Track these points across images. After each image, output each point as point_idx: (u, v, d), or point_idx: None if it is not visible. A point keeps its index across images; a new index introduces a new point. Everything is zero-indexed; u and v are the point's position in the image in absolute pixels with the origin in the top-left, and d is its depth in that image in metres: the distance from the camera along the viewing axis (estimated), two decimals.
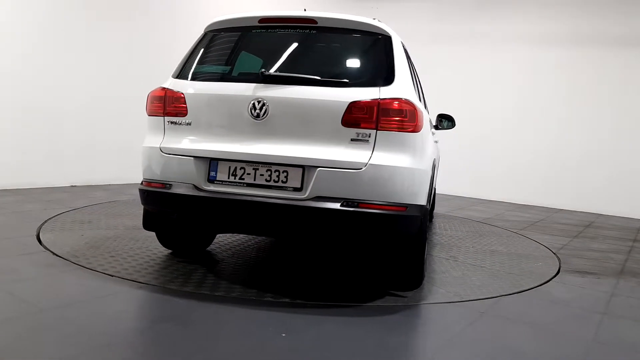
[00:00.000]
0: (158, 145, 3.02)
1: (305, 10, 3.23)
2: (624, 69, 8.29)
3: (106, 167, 7.25)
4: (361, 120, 2.73)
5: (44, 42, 6.41)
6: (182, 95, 3.01)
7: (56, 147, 6.63)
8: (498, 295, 3.24)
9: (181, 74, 3.16)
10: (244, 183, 2.81)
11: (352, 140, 2.73)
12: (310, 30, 3.05)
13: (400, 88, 2.86)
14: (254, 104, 2.82)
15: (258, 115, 2.81)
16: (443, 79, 9.37)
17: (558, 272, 3.93)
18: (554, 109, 8.85)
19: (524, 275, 3.79)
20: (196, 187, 2.86)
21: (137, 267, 3.24)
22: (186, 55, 3.29)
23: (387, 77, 2.89)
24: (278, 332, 2.37)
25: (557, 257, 4.51)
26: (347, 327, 2.50)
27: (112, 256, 3.44)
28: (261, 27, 3.12)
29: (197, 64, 3.19)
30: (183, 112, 2.99)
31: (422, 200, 2.93)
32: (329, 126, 2.76)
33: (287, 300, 2.83)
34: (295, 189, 2.73)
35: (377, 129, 2.72)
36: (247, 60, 3.22)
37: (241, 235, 4.36)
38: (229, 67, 3.21)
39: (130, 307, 2.60)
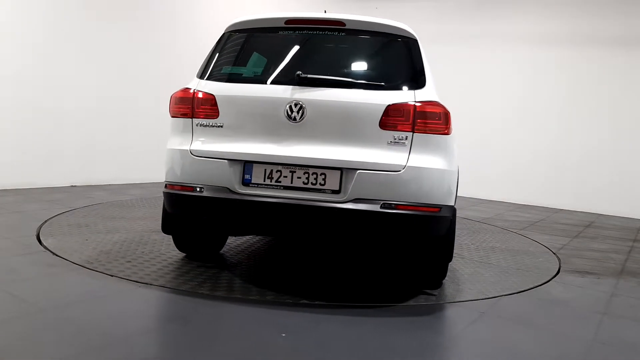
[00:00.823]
0: (188, 148, 2.92)
1: (325, 12, 3.23)
2: (624, 69, 8.29)
3: (106, 167, 7.25)
4: (398, 123, 2.79)
5: (44, 42, 6.41)
6: (213, 97, 2.93)
7: (56, 147, 6.63)
8: (498, 295, 3.24)
9: (209, 75, 3.07)
10: (280, 186, 2.78)
11: (389, 142, 2.78)
12: (338, 33, 3.05)
13: (431, 91, 2.93)
14: (290, 106, 2.80)
15: (295, 118, 2.79)
16: (443, 79, 9.34)
17: (558, 272, 3.93)
18: (554, 109, 8.85)
19: (531, 270, 3.82)
20: (230, 190, 2.80)
21: (137, 267, 3.24)
22: (209, 55, 3.23)
23: (419, 80, 2.95)
24: (278, 332, 2.37)
25: (557, 257, 4.50)
26: (348, 327, 2.50)
27: (110, 255, 3.44)
28: (287, 29, 3.08)
29: (225, 64, 3.13)
30: (214, 114, 2.92)
31: (452, 201, 2.98)
32: (366, 129, 2.79)
33: (289, 300, 2.83)
34: (334, 192, 2.75)
35: (413, 132, 2.78)
36: (278, 62, 3.17)
37: (246, 237, 4.36)
38: (260, 69, 3.15)
39: (131, 307, 2.59)
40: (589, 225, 6.75)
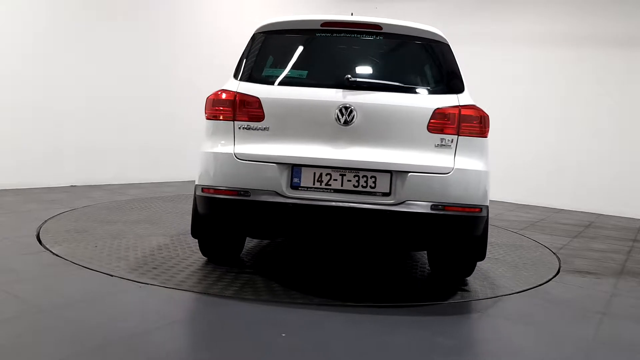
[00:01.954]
0: (231, 151, 2.86)
1: (352, 14, 3.25)
2: (624, 69, 8.28)
3: (106, 167, 7.25)
4: (444, 126, 2.87)
5: (43, 42, 6.41)
6: (258, 100, 2.89)
7: (56, 147, 6.63)
8: (498, 295, 3.24)
9: (250, 77, 3.02)
10: (330, 189, 2.79)
11: (436, 145, 2.86)
12: (376, 37, 3.09)
13: (469, 95, 3.05)
14: (341, 109, 2.81)
15: (345, 121, 2.80)
16: None
17: (558, 272, 3.93)
18: (554, 109, 8.84)
19: (530, 270, 3.83)
20: (278, 194, 2.78)
21: (136, 267, 3.24)
22: (244, 55, 3.18)
23: (459, 84, 3.07)
24: (278, 332, 2.37)
25: (557, 257, 4.50)
26: (348, 327, 2.50)
27: (112, 255, 3.45)
28: (324, 31, 3.07)
29: (264, 66, 3.10)
30: (259, 117, 2.88)
31: (488, 201, 3.05)
32: (414, 132, 2.86)
33: (286, 300, 2.83)
34: (384, 194, 2.79)
35: (458, 135, 2.88)
36: (321, 65, 3.19)
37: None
38: (304, 72, 3.12)
39: (131, 307, 2.59)
40: (589, 225, 6.75)
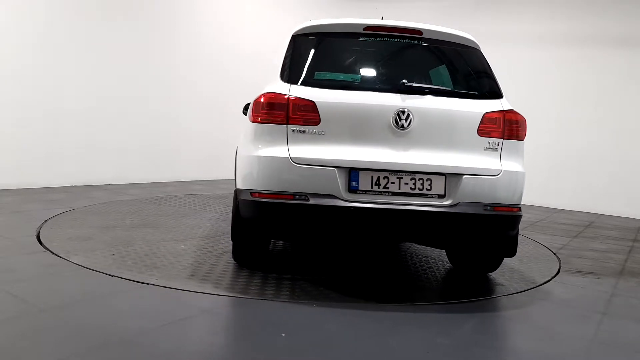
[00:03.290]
0: (286, 155, 2.83)
1: (382, 18, 3.31)
2: (624, 69, 8.28)
3: (106, 167, 7.25)
4: (492, 130, 3.03)
5: (43, 42, 6.41)
6: (314, 103, 2.87)
7: (56, 147, 6.63)
8: (498, 295, 3.24)
9: (301, 80, 2.98)
10: (388, 192, 2.85)
11: (484, 148, 3.01)
12: (418, 42, 3.16)
13: (507, 100, 3.20)
14: (398, 114, 2.87)
15: (403, 126, 2.87)
16: None
17: (558, 272, 3.93)
18: (554, 109, 8.84)
19: (530, 270, 3.81)
20: (337, 198, 2.80)
21: (136, 267, 3.24)
22: (288, 58, 3.13)
23: (498, 89, 3.24)
24: (278, 332, 2.37)
25: (557, 257, 4.50)
26: (349, 327, 2.50)
27: (113, 255, 3.45)
28: (366, 35, 3.13)
29: (313, 69, 3.07)
30: (315, 121, 2.86)
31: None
32: (466, 136, 2.99)
33: (286, 299, 2.83)
34: (440, 196, 2.89)
35: (503, 138, 3.06)
36: (371, 69, 3.23)
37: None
38: (356, 75, 3.14)
39: (131, 307, 2.59)
40: (589, 225, 6.75)
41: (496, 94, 3.20)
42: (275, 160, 2.85)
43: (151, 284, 2.91)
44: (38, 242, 3.66)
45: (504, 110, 3.09)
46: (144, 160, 7.81)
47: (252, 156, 2.93)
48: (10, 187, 6.01)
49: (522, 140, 3.18)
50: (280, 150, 2.85)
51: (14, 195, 5.61)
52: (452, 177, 2.90)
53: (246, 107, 5.45)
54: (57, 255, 3.37)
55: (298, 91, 2.92)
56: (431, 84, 3.16)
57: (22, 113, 6.24)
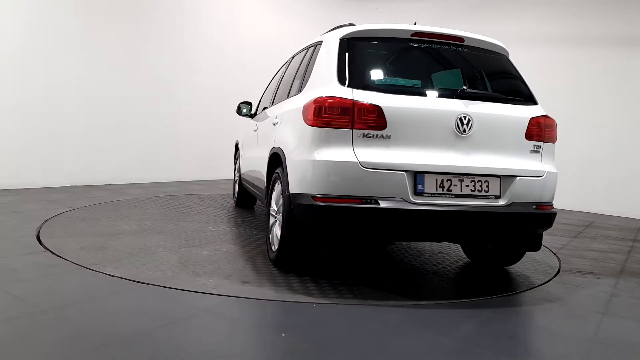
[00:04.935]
0: (355, 160, 2.83)
1: (415, 23, 3.39)
2: (625, 69, 8.28)
3: (106, 167, 7.25)
4: (536, 134, 3.25)
5: (43, 42, 6.41)
6: (380, 108, 2.91)
7: (56, 147, 6.63)
8: (498, 295, 3.24)
9: (363, 85, 2.99)
10: (452, 194, 2.98)
11: (530, 151, 3.24)
12: (461, 48, 3.35)
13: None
14: (460, 119, 3.01)
15: (464, 130, 3.02)
16: None
17: (558, 272, 3.93)
18: (554, 109, 8.80)
19: (530, 270, 3.82)
20: (405, 201, 2.87)
21: (136, 266, 3.24)
22: (341, 61, 3.11)
23: (533, 96, 3.47)
24: (278, 332, 2.37)
25: (557, 257, 4.50)
26: (349, 327, 2.50)
27: (113, 254, 3.44)
28: (413, 40, 3.24)
29: (371, 73, 3.14)
30: (382, 126, 2.91)
31: None
32: (516, 139, 3.19)
33: (287, 299, 2.83)
34: (496, 197, 3.08)
35: (543, 141, 3.29)
36: (429, 75, 3.33)
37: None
38: (417, 81, 3.22)
39: (131, 307, 2.59)
40: (589, 225, 6.75)
41: (533, 99, 3.42)
42: (343, 165, 2.84)
43: (151, 284, 2.91)
44: (38, 242, 3.66)
45: (543, 115, 3.32)
46: (144, 160, 7.81)
47: (314, 160, 2.89)
48: (10, 187, 6.01)
49: (555, 142, 3.40)
50: (346, 155, 2.85)
51: (14, 195, 5.61)
52: (506, 178, 3.09)
53: (239, 107, 5.45)
54: (57, 255, 3.37)
55: (363, 96, 2.93)
56: (491, 90, 3.35)
57: (22, 113, 6.25)
